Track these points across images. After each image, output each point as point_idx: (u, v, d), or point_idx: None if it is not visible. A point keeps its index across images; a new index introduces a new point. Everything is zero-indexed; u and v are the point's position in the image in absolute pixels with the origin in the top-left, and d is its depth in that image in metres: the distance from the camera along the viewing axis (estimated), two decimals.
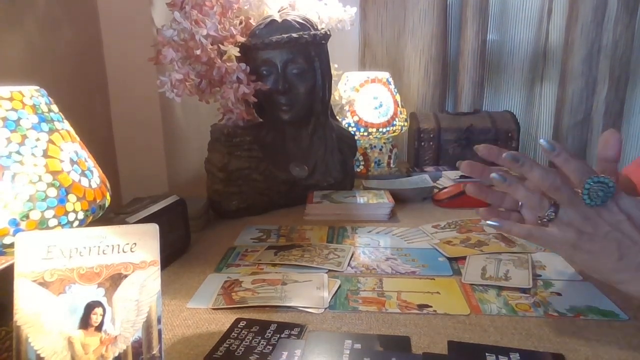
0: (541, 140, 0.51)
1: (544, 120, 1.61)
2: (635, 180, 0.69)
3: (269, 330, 0.54)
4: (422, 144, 1.39)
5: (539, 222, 0.51)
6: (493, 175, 0.53)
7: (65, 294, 0.40)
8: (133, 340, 0.42)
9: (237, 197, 0.97)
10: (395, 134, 1.32)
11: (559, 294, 0.62)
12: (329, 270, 0.70)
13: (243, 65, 0.93)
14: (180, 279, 0.69)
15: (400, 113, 1.32)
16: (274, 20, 0.96)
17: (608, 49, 1.44)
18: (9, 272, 0.40)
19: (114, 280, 0.42)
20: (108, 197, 0.54)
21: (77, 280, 0.41)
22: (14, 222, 0.44)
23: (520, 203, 0.57)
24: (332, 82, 1.06)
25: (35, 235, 0.41)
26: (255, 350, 0.50)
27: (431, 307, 0.59)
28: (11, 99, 0.46)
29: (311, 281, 0.66)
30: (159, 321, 0.43)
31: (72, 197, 0.47)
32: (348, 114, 1.29)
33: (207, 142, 1.01)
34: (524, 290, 0.63)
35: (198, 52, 0.87)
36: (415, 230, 0.88)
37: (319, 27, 1.02)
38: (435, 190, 1.10)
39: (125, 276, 0.42)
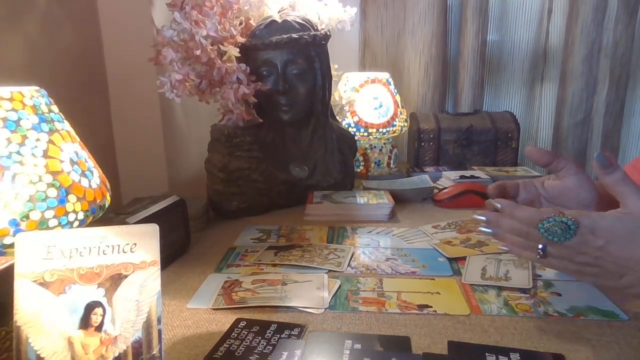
0: (490, 200, 0.55)
1: (544, 120, 1.61)
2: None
3: (269, 331, 0.54)
4: (422, 144, 1.39)
5: (537, 257, 0.52)
6: (480, 228, 0.56)
7: (65, 294, 0.40)
8: (133, 341, 0.42)
9: (237, 198, 0.97)
10: (395, 134, 1.32)
11: (559, 294, 0.62)
12: (329, 271, 0.70)
13: (243, 65, 0.93)
14: (180, 279, 0.69)
15: (400, 113, 1.32)
16: (274, 21, 0.96)
17: (608, 49, 1.44)
18: (9, 272, 0.40)
19: (114, 281, 0.42)
20: (108, 198, 0.54)
21: (77, 281, 0.41)
22: (14, 223, 0.44)
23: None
24: (332, 82, 1.06)
25: (35, 236, 0.41)
26: (256, 351, 0.50)
27: (431, 307, 0.59)
28: (11, 100, 0.46)
29: (311, 281, 0.66)
30: (159, 321, 0.43)
31: (72, 198, 0.47)
32: (348, 115, 1.29)
33: (207, 142, 1.01)
34: (524, 291, 0.63)
35: (198, 52, 0.87)
36: (415, 230, 0.88)
37: (319, 28, 1.02)
38: (436, 191, 1.10)
39: (125, 276, 0.42)
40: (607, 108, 1.48)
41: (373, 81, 1.30)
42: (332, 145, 1.06)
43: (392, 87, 1.33)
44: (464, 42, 1.50)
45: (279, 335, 0.53)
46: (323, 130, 1.05)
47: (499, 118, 1.41)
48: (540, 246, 0.51)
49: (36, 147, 0.46)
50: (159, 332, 0.43)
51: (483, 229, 0.55)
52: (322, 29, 1.02)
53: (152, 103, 1.06)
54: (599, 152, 0.50)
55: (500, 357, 0.48)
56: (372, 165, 1.32)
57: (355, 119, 1.29)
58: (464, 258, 0.74)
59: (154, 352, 0.42)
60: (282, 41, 0.94)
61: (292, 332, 0.53)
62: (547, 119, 1.60)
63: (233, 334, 0.53)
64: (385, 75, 1.32)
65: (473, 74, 1.51)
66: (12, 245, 0.42)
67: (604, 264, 0.49)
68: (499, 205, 0.53)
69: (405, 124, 1.35)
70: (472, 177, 1.18)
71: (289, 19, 0.96)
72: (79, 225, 0.49)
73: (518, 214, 0.51)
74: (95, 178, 0.52)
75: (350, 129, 1.26)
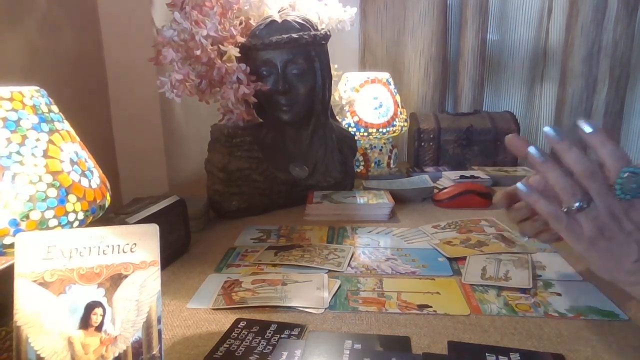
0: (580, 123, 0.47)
1: (544, 120, 1.61)
2: None
3: (269, 331, 0.54)
4: (422, 144, 1.39)
5: (565, 210, 0.48)
6: (530, 149, 0.50)
7: (65, 294, 0.40)
8: (133, 341, 0.42)
9: (237, 198, 0.97)
10: (395, 134, 1.32)
11: (559, 294, 0.62)
12: (329, 271, 0.70)
13: (243, 65, 0.93)
14: (180, 279, 0.69)
15: (400, 113, 1.32)
16: (274, 21, 0.96)
17: (608, 49, 1.44)
18: (9, 272, 0.40)
19: (114, 281, 0.42)
20: (108, 198, 0.54)
21: (77, 281, 0.41)
22: (14, 223, 0.44)
23: None
24: (332, 82, 1.06)
25: (35, 236, 0.41)
26: (256, 351, 0.50)
27: (431, 307, 0.59)
28: (11, 100, 0.46)
29: (311, 281, 0.66)
30: (159, 321, 0.43)
31: (72, 198, 0.47)
32: (348, 115, 1.29)
33: (207, 142, 1.01)
34: (524, 291, 0.63)
35: (198, 52, 0.87)
36: (415, 230, 0.88)
37: (319, 28, 1.02)
38: (435, 191, 1.10)
39: (125, 276, 0.42)
40: (607, 108, 1.48)
41: (373, 81, 1.30)
42: (332, 145, 1.06)
43: (392, 87, 1.33)
44: (464, 41, 1.50)
45: (279, 335, 0.53)
46: (323, 130, 1.05)
47: (499, 118, 1.41)
48: (583, 201, 0.46)
49: (36, 147, 0.46)
50: (159, 332, 0.43)
51: (533, 150, 0.49)
52: (322, 29, 1.02)
53: (152, 103, 1.06)
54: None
55: (500, 357, 0.48)
56: (372, 165, 1.32)
57: (355, 119, 1.29)
58: (464, 258, 0.73)
59: (154, 352, 0.42)
60: (282, 41, 0.94)
61: (292, 332, 0.53)
62: (547, 119, 1.60)
63: (233, 334, 0.53)
64: (385, 75, 1.32)
65: (473, 73, 1.51)
66: (12, 245, 0.42)
67: (634, 240, 0.46)
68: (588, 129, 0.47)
69: (405, 124, 1.35)
70: (472, 177, 1.18)
71: (289, 19, 0.96)
72: (79, 225, 0.49)
73: (609, 146, 0.46)
74: (95, 178, 0.53)
75: (350, 129, 1.26)
